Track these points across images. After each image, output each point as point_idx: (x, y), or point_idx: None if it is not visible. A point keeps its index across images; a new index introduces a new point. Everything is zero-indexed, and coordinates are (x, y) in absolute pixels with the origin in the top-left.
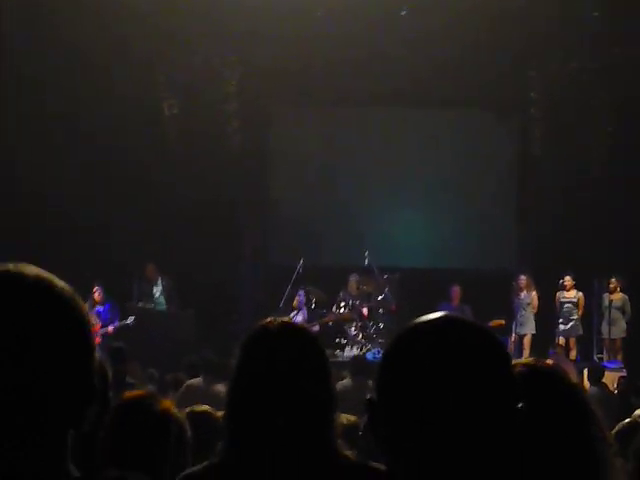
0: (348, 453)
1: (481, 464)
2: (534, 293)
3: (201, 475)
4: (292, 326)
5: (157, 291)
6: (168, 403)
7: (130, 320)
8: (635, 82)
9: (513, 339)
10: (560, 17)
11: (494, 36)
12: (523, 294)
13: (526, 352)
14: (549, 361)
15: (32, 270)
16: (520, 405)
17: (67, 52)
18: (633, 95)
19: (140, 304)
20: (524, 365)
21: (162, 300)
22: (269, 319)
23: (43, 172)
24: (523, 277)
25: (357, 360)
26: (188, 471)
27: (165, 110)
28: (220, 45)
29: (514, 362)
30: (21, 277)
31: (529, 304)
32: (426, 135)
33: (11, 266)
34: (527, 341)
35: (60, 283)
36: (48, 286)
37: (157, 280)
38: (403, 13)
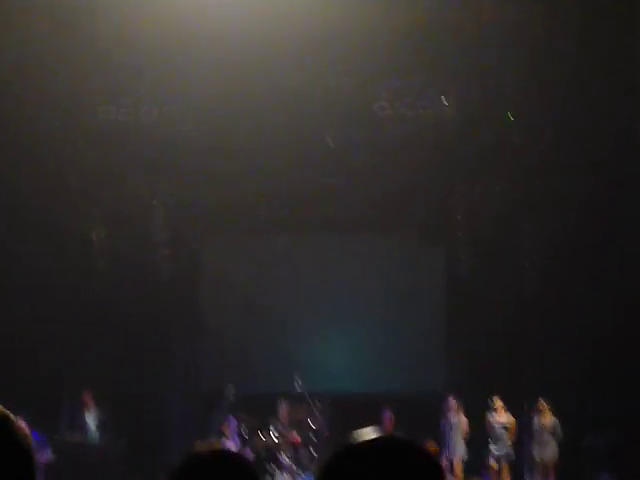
0: None
1: None
2: (462, 416)
3: None
4: (225, 453)
5: (91, 421)
6: None
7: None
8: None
9: (444, 464)
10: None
11: (419, 162)
12: (452, 416)
13: (458, 477)
14: None
15: None
16: None
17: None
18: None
19: (69, 436)
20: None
21: (96, 432)
22: (200, 447)
23: None
24: (452, 399)
25: None
26: None
27: (94, 238)
28: (149, 176)
29: None
30: None
31: (458, 427)
32: (354, 260)
33: None
34: (458, 466)
35: None
36: None
37: (91, 409)
38: (331, 145)
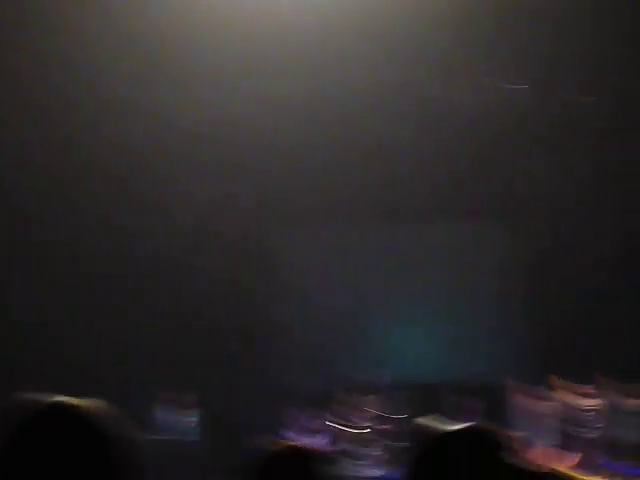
0: None
1: None
2: (544, 402)
3: None
4: (303, 451)
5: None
6: None
7: None
8: None
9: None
10: None
11: (481, 148)
12: (530, 403)
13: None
14: None
15: None
16: None
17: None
18: None
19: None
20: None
21: (184, 431)
22: (279, 444)
23: None
24: (527, 386)
25: None
26: None
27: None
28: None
29: None
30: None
31: (542, 413)
32: (422, 249)
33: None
34: (542, 452)
35: None
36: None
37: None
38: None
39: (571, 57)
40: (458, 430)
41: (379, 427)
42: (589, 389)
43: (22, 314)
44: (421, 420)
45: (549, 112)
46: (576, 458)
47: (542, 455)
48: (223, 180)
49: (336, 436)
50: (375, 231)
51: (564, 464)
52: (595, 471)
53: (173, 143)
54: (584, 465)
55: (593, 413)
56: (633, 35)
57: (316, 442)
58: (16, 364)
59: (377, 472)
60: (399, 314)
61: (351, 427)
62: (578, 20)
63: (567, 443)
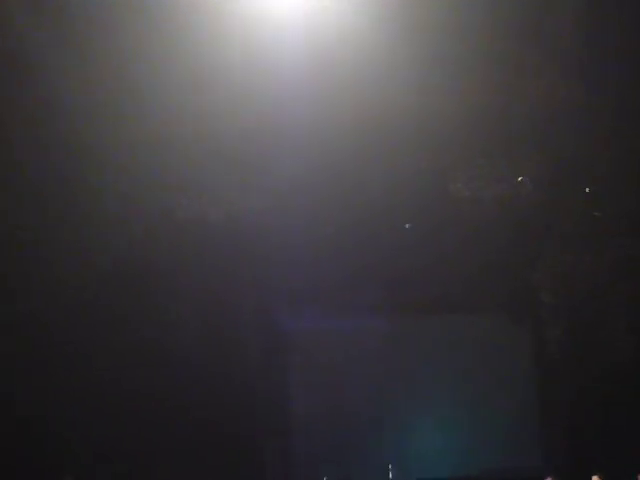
0: None
1: None
2: None
3: None
4: None
5: None
6: None
7: None
8: None
9: None
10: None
11: (499, 241)
12: None
13: None
14: None
15: None
16: None
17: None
18: None
19: None
20: None
21: None
22: None
23: None
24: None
25: None
26: None
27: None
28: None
29: None
30: None
31: None
32: (440, 342)
33: None
34: None
35: None
36: None
37: None
38: (407, 226)
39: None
40: None
41: None
42: None
43: None
44: None
45: (562, 206)
46: None
47: None
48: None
49: None
50: (390, 326)
51: None
52: None
53: None
54: None
55: None
56: None
57: None
58: None
59: None
60: (415, 409)
61: None
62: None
63: None
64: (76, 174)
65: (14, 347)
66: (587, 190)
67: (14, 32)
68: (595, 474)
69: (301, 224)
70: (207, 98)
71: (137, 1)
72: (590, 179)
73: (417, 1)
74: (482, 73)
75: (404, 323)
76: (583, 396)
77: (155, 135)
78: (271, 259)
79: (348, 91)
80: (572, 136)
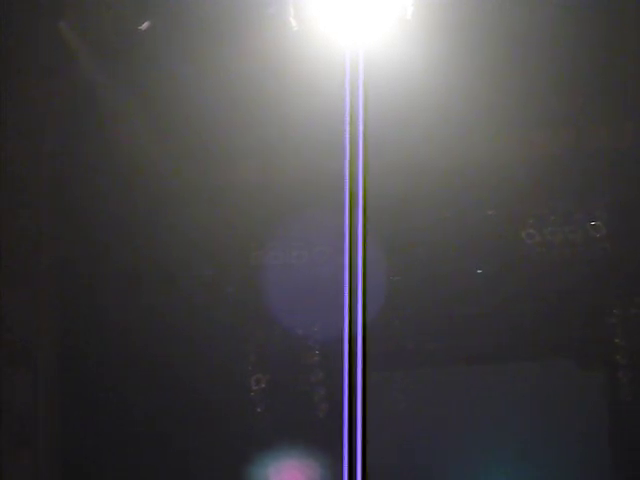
0: None
1: None
2: None
3: None
4: None
5: None
6: None
7: None
8: None
9: None
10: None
11: (570, 285)
12: None
13: None
14: None
15: None
16: None
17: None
18: None
19: None
20: None
21: None
22: None
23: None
24: None
25: None
26: None
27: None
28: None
29: None
30: None
31: None
32: (508, 391)
33: None
34: None
35: None
36: None
37: None
38: (479, 271)
39: None
40: None
41: None
42: None
43: None
44: None
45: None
46: None
47: None
48: None
49: None
50: (459, 374)
51: None
52: None
53: None
54: None
55: None
56: None
57: None
58: None
59: None
60: (482, 465)
61: None
62: None
63: None
64: None
65: None
66: None
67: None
68: None
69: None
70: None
71: None
72: None
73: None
74: (555, 122)
75: (473, 371)
76: None
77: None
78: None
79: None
80: None
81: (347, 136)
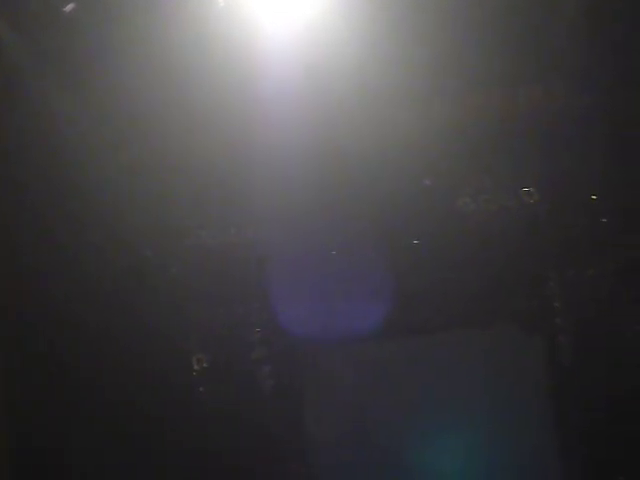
0: None
1: None
2: None
3: None
4: None
5: None
6: None
7: None
8: None
9: None
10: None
11: (508, 254)
12: None
13: None
14: None
15: None
16: None
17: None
18: None
19: None
20: None
21: None
22: None
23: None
24: None
25: None
26: None
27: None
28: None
29: None
30: None
31: None
32: (450, 359)
33: None
34: None
35: None
36: None
37: None
38: (415, 242)
39: None
40: None
41: None
42: None
43: None
44: None
45: (569, 215)
46: None
47: None
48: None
49: None
50: (401, 345)
51: None
52: None
53: None
54: None
55: None
56: None
57: None
58: None
59: None
60: (427, 430)
61: None
62: None
63: None
64: None
65: None
66: (593, 197)
67: None
68: None
69: (305, 246)
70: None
71: None
72: (595, 186)
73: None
74: (484, 85)
75: (414, 342)
76: (599, 406)
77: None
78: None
79: (348, 109)
80: (575, 143)
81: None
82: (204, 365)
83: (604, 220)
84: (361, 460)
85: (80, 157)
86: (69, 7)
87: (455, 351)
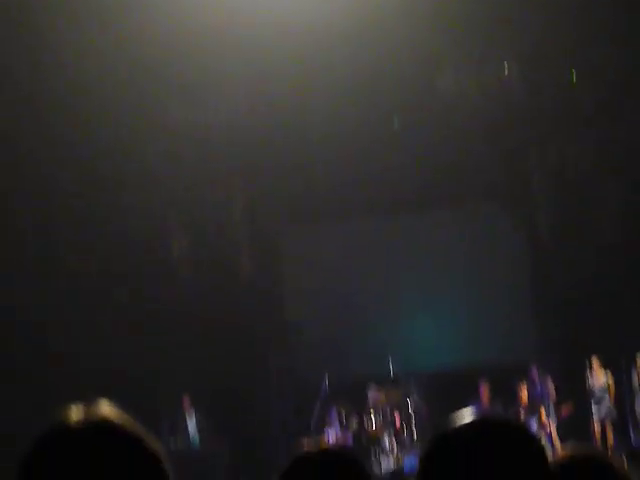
0: None
1: None
2: (550, 383)
3: None
4: (332, 452)
5: (191, 426)
6: None
7: None
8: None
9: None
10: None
11: (492, 129)
12: (538, 385)
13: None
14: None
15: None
16: None
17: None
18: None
19: (172, 444)
20: (570, 454)
21: (196, 437)
22: (307, 446)
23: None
24: (535, 369)
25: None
26: None
27: (175, 249)
28: (224, 173)
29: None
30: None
31: (548, 395)
32: (435, 236)
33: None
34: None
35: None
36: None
37: (192, 413)
38: (396, 126)
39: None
40: (466, 424)
41: (395, 418)
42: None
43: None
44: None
45: (549, 98)
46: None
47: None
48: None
49: (353, 429)
50: (380, 223)
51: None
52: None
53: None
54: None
55: (602, 390)
56: None
57: (333, 436)
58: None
59: (395, 463)
60: (408, 305)
61: (368, 420)
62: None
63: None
64: None
65: None
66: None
67: None
68: (593, 355)
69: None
70: None
71: None
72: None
73: None
74: None
75: (397, 218)
76: (577, 279)
77: None
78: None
79: None
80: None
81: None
82: (184, 247)
83: (585, 99)
84: (342, 335)
85: None
86: None
87: (434, 228)
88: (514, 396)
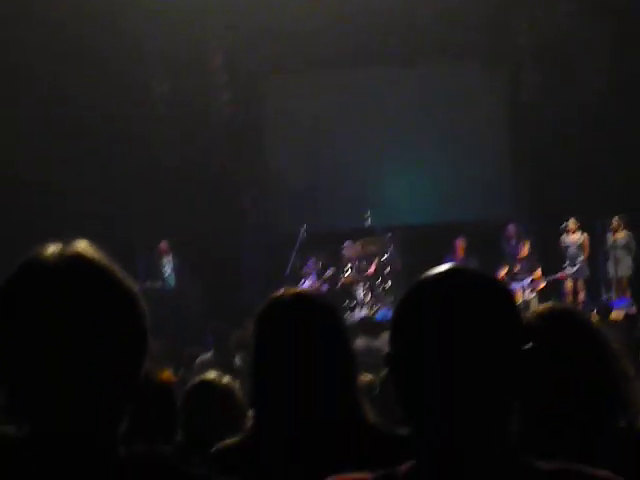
0: (374, 419)
1: (490, 404)
2: (526, 242)
3: (236, 448)
4: (306, 295)
5: (168, 268)
6: (166, 374)
7: None
8: (627, 17)
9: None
10: None
11: None
12: (513, 242)
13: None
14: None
15: None
16: (529, 346)
17: (54, 32)
18: (625, 31)
19: (148, 283)
20: (546, 308)
21: (172, 277)
22: (281, 290)
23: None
24: (513, 226)
25: (367, 321)
26: (223, 443)
27: (155, 87)
28: (205, 16)
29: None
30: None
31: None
32: (417, 92)
33: None
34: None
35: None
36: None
37: (169, 256)
38: None
39: None
40: (440, 272)
41: (372, 269)
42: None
43: None
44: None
45: None
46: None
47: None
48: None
49: (328, 279)
50: (362, 75)
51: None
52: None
53: None
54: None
55: (575, 249)
56: None
57: (310, 285)
58: None
59: (369, 312)
60: (388, 159)
61: (344, 271)
62: None
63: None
64: None
65: None
66: None
67: None
68: (570, 218)
69: None
70: None
71: None
72: None
73: None
74: None
75: (378, 73)
76: (558, 139)
77: None
78: None
79: None
80: None
81: None
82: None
83: None
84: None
85: None
86: None
87: (418, 83)
88: (490, 252)
